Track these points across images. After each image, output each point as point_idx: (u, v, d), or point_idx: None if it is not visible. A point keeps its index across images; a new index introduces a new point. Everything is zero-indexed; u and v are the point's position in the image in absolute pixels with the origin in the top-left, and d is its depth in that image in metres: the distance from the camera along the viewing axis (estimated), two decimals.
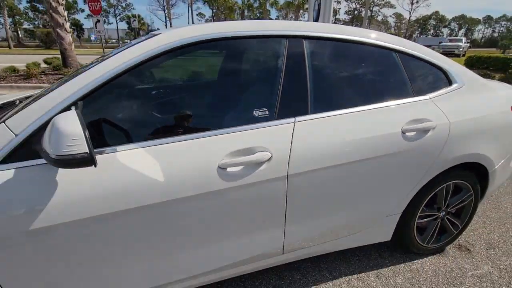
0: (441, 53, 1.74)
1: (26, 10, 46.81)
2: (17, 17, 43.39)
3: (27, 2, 44.79)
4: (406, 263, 1.78)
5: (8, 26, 33.48)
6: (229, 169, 1.12)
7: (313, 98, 1.30)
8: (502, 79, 8.33)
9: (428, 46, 1.88)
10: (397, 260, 1.80)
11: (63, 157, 0.79)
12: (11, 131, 0.94)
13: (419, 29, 70.15)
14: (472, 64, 12.18)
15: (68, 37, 8.41)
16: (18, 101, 1.54)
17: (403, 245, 1.81)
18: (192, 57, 1.32)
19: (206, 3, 44.46)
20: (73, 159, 0.79)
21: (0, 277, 0.95)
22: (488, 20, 77.19)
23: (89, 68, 1.09)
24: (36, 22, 48.15)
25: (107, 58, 1.11)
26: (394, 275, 1.68)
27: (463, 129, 1.53)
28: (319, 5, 5.91)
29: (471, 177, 1.71)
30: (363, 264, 1.76)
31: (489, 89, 1.77)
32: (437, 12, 70.01)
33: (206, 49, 1.28)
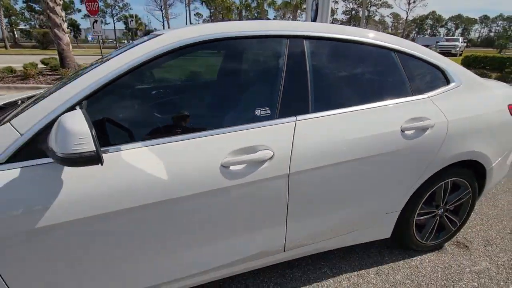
0: (438, 53, 1.76)
1: (22, 11, 46.57)
2: (13, 17, 43.13)
3: (23, 2, 44.56)
4: (406, 260, 1.80)
5: (4, 27, 33.29)
6: (231, 167, 1.13)
7: (313, 97, 1.32)
8: (498, 78, 8.40)
9: (427, 46, 1.91)
10: (397, 257, 1.82)
11: (70, 155, 0.80)
12: (17, 130, 0.95)
13: (416, 29, 70.46)
14: (469, 63, 12.26)
15: (66, 38, 8.39)
16: (20, 101, 1.55)
17: (402, 242, 1.83)
18: (193, 57, 1.34)
19: (203, 3, 44.45)
20: (80, 158, 0.80)
21: (7, 276, 0.95)
22: (484, 19, 77.69)
23: (92, 69, 1.10)
24: (32, 23, 47.89)
25: (110, 59, 1.12)
26: (394, 272, 1.70)
27: (460, 128, 1.55)
28: (317, 5, 5.93)
29: (469, 175, 1.73)
30: (363, 261, 1.78)
31: (486, 88, 1.79)
32: (434, 12, 70.35)
33: (208, 49, 1.30)
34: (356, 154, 1.33)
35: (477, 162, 1.70)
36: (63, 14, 8.25)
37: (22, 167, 0.94)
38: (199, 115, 1.27)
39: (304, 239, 1.45)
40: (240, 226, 1.25)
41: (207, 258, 1.25)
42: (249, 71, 1.47)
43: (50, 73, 8.65)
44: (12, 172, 0.93)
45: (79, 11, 54.44)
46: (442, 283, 1.63)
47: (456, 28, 75.29)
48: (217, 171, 1.11)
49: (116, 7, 54.71)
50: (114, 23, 54.41)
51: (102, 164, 0.85)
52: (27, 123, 0.96)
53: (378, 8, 63.36)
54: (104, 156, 0.99)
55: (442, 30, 73.83)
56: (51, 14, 7.91)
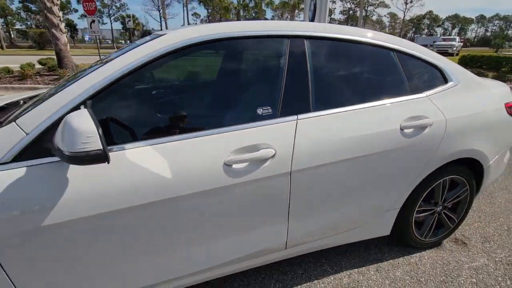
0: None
1: (18, 11, 46.28)
2: (9, 17, 42.85)
3: (19, 2, 44.30)
4: (405, 256, 1.82)
5: (0, 27, 33.05)
6: (234, 166, 1.15)
7: (314, 97, 1.34)
8: (495, 78, 8.47)
9: (426, 46, 1.93)
10: (396, 254, 1.84)
11: (77, 154, 0.81)
12: (22, 130, 0.96)
13: (413, 29, 70.77)
14: (466, 63, 12.33)
15: (64, 38, 8.35)
16: (22, 101, 1.55)
17: (401, 239, 1.85)
18: (195, 57, 1.35)
19: (201, 3, 44.37)
20: (86, 156, 0.82)
21: (13, 274, 0.96)
22: (481, 19, 78.21)
23: (95, 69, 1.11)
24: (28, 23, 47.63)
25: (113, 59, 1.13)
26: (394, 269, 1.73)
27: (458, 126, 1.58)
28: (315, 5, 5.96)
29: (467, 172, 1.76)
30: (363, 259, 1.80)
31: (483, 87, 1.82)
32: (430, 11, 70.77)
33: (211, 49, 1.31)
34: (356, 152, 1.35)
35: (475, 160, 1.72)
36: (60, 14, 8.22)
37: (27, 166, 0.95)
38: (202, 114, 1.28)
39: (305, 237, 1.46)
40: (243, 224, 1.27)
41: (210, 255, 1.27)
42: (251, 70, 1.49)
43: (47, 73, 8.62)
44: (18, 171, 0.93)
45: (76, 11, 54.22)
46: (441, 279, 1.65)
47: (453, 28, 75.73)
48: (220, 169, 1.13)
49: (113, 7, 54.54)
50: (111, 23, 54.19)
51: (108, 163, 0.86)
52: (32, 122, 0.97)
53: (375, 8, 63.61)
54: (110, 154, 1.00)
55: (439, 30, 74.24)
56: (48, 14, 7.88)
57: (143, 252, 1.13)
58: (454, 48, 22.96)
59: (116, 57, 1.12)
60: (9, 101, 1.58)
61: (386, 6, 63.06)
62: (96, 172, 0.99)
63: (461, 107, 1.64)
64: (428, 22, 71.84)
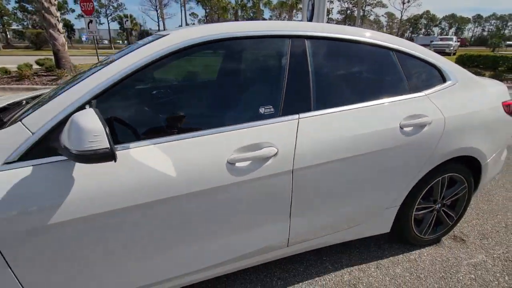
0: None
1: (15, 11, 46.01)
2: (6, 17, 42.58)
3: (16, 2, 44.06)
4: (405, 253, 1.85)
5: None
6: (237, 164, 1.16)
7: (315, 96, 1.35)
8: (492, 77, 8.54)
9: (425, 45, 1.96)
10: (396, 251, 1.87)
11: (85, 152, 0.82)
12: (28, 129, 0.97)
13: (411, 28, 71.07)
14: (463, 62, 12.42)
15: (61, 38, 8.33)
16: (24, 101, 1.56)
17: (401, 237, 1.88)
18: (196, 57, 1.36)
19: (199, 3, 44.31)
20: (94, 155, 0.83)
21: (20, 273, 0.97)
22: (478, 19, 78.69)
23: (100, 69, 1.12)
24: (25, 23, 47.35)
25: (117, 59, 1.15)
26: (394, 265, 1.75)
27: (457, 124, 1.60)
28: (313, 5, 5.98)
29: (465, 170, 1.79)
30: (364, 256, 1.83)
31: (481, 86, 1.85)
32: (428, 11, 71.08)
33: (214, 49, 1.32)
34: (357, 150, 1.37)
35: (473, 158, 1.75)
36: (58, 14, 8.19)
37: (33, 165, 0.96)
38: (205, 114, 1.30)
39: (307, 234, 1.48)
40: (246, 222, 1.28)
41: (213, 253, 1.28)
42: (253, 70, 1.50)
43: (45, 74, 8.58)
44: (24, 170, 0.95)
45: (73, 11, 54.02)
46: (440, 275, 1.68)
47: (450, 28, 76.13)
48: (223, 167, 1.14)
49: (111, 7, 54.37)
50: (108, 23, 54.08)
51: (115, 161, 0.88)
52: (38, 122, 0.98)
53: (373, 8, 63.83)
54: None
55: (436, 30, 74.62)
56: (46, 15, 7.86)
57: (148, 250, 1.14)
58: (451, 48, 23.10)
59: (120, 58, 1.14)
60: (11, 101, 1.59)
61: (384, 6, 63.31)
62: (101, 170, 1.00)
63: (459, 105, 1.66)
64: (425, 22, 72.20)
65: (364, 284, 1.62)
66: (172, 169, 1.08)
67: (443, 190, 1.80)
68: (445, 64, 1.74)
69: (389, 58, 1.57)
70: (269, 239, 1.38)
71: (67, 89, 1.07)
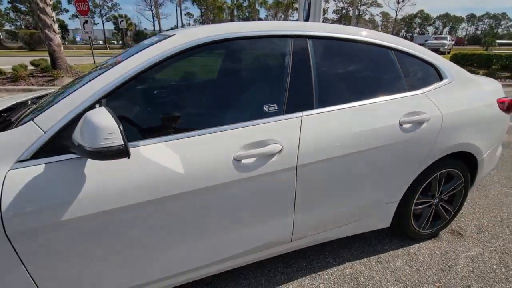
0: None
1: (8, 11, 45.47)
2: None
3: (8, 2, 43.52)
4: (404, 247, 1.89)
5: None
6: (243, 161, 1.19)
7: (317, 94, 1.39)
8: (486, 75, 8.65)
9: (421, 44, 2.00)
10: (396, 246, 1.91)
11: (99, 149, 0.85)
12: (40, 128, 0.99)
13: (405, 28, 71.64)
14: (457, 61, 12.55)
15: (57, 38, 8.27)
16: (29, 101, 1.57)
17: (401, 231, 1.92)
18: (201, 57, 1.39)
19: (194, 3, 44.19)
20: (108, 151, 0.85)
21: (33, 270, 0.99)
22: (471, 18, 79.59)
23: (108, 69, 1.14)
24: (18, 23, 46.82)
25: (125, 59, 1.17)
26: (394, 259, 1.79)
27: (454, 121, 1.65)
28: (309, 4, 6.03)
29: (462, 166, 1.84)
30: (365, 250, 1.87)
31: (476, 83, 1.90)
32: (422, 10, 71.69)
33: (219, 49, 1.35)
34: (358, 147, 1.41)
35: (469, 154, 1.80)
36: (53, 14, 8.13)
37: (45, 163, 0.98)
38: (211, 112, 1.32)
39: (310, 229, 1.52)
40: (251, 218, 1.31)
41: (219, 248, 1.31)
42: (257, 69, 1.53)
43: (41, 74, 8.52)
44: (37, 168, 0.97)
45: (67, 11, 53.50)
46: (439, 268, 1.72)
47: (444, 27, 76.89)
48: (230, 164, 1.17)
49: (105, 7, 53.96)
50: (103, 24, 53.65)
51: (129, 157, 0.90)
52: (49, 121, 1.00)
53: (368, 7, 64.18)
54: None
55: (431, 29, 75.31)
56: (41, 15, 7.79)
57: (157, 246, 1.16)
58: (446, 47, 23.34)
59: (128, 58, 1.16)
60: (17, 102, 1.60)
61: (379, 5, 63.73)
62: (111, 168, 1.02)
63: (456, 103, 1.71)
64: (419, 21, 72.82)
65: (366, 277, 1.66)
66: (180, 166, 1.10)
67: (441, 185, 1.85)
68: (442, 62, 1.79)
69: (388, 57, 1.61)
70: (273, 234, 1.41)
71: (77, 88, 1.09)
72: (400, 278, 1.65)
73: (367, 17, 68.05)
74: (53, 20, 8.08)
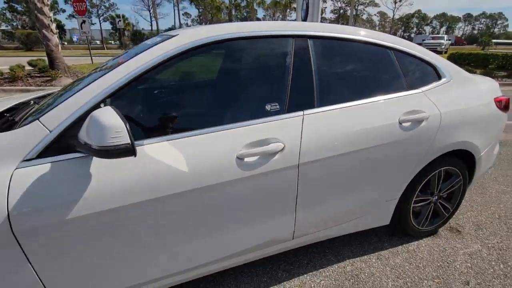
0: None
1: (4, 11, 45.21)
2: None
3: (4, 2, 43.27)
4: (404, 245, 1.92)
5: None
6: (246, 159, 1.21)
7: (318, 93, 1.41)
8: (482, 74, 8.71)
9: (419, 44, 2.03)
10: (395, 243, 1.94)
11: (106, 148, 0.86)
12: (46, 127, 1.00)
13: (403, 27, 71.94)
14: (454, 60, 12.63)
15: (55, 39, 8.24)
16: (32, 101, 1.58)
17: (400, 229, 1.95)
18: (202, 57, 1.40)
19: (192, 3, 44.10)
20: (115, 150, 0.87)
21: (39, 268, 1.00)
22: (468, 18, 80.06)
23: (112, 69, 1.15)
24: (14, 23, 46.56)
25: (128, 59, 1.18)
26: (393, 256, 1.82)
27: (452, 119, 1.67)
28: (307, 4, 6.05)
29: (460, 164, 1.86)
30: (365, 248, 1.89)
31: (474, 82, 1.93)
32: (419, 10, 72.11)
33: (221, 49, 1.36)
34: (359, 145, 1.43)
35: (467, 152, 1.82)
36: (51, 14, 8.10)
37: (52, 162, 0.99)
38: (214, 111, 1.34)
39: (311, 227, 1.54)
40: (255, 215, 1.33)
41: (222, 246, 1.33)
42: (258, 69, 1.55)
43: (38, 75, 8.48)
44: (43, 167, 0.98)
45: (64, 11, 53.31)
46: (438, 264, 1.75)
47: (441, 26, 77.28)
48: (233, 162, 1.19)
49: (102, 7, 53.78)
50: (100, 23, 53.46)
51: (135, 156, 0.91)
52: (55, 120, 1.01)
53: (365, 7, 64.39)
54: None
55: (428, 28, 75.67)
56: (39, 15, 7.76)
57: (160, 244, 1.18)
58: (443, 46, 23.47)
59: (131, 58, 1.17)
60: (19, 101, 1.61)
61: (376, 5, 63.94)
62: (117, 167, 1.04)
63: (454, 101, 1.73)
64: (416, 21, 73.16)
65: (366, 274, 1.68)
66: (184, 164, 1.12)
67: (440, 183, 1.87)
68: (440, 62, 1.82)
69: (387, 57, 1.63)
70: (275, 232, 1.43)
71: (81, 88, 1.10)
72: (400, 275, 1.67)
73: (364, 16, 68.32)
74: (51, 20, 8.05)
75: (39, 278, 1.02)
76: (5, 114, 1.40)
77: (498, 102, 1.91)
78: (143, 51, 1.18)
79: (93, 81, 1.11)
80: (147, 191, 1.06)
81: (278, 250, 1.55)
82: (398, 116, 1.53)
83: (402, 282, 1.62)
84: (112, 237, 1.08)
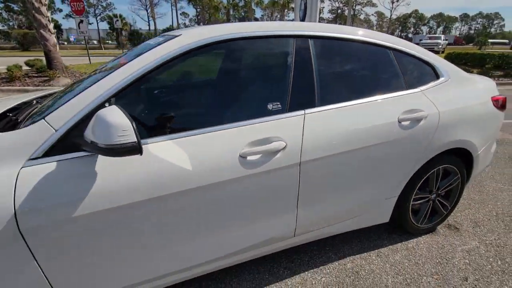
0: None
1: (0, 11, 44.90)
2: None
3: (1, 2, 42.97)
4: (403, 242, 1.94)
5: None
6: (249, 158, 1.23)
7: (319, 92, 1.43)
8: (479, 74, 8.77)
9: (417, 44, 2.05)
10: (395, 240, 1.96)
11: (113, 146, 0.87)
12: (51, 126, 1.01)
13: (400, 27, 72.23)
14: (452, 60, 12.71)
15: (53, 39, 8.21)
16: (34, 101, 1.59)
17: (400, 226, 1.97)
18: (204, 56, 1.41)
19: (190, 2, 44.03)
20: (121, 148, 0.88)
21: (44, 265, 1.01)
22: (464, 17, 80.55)
23: (116, 69, 1.16)
24: (11, 23, 46.28)
25: (131, 59, 1.19)
26: (393, 253, 1.84)
27: (450, 118, 1.70)
28: (305, 4, 6.08)
29: (458, 162, 1.89)
30: (365, 245, 1.91)
31: (471, 82, 1.95)
32: (416, 10, 72.44)
33: (224, 49, 1.38)
34: (359, 143, 1.45)
35: (465, 150, 1.85)
36: (49, 14, 8.07)
37: (57, 160, 1.00)
38: (217, 110, 1.35)
39: (312, 225, 1.56)
40: (257, 213, 1.35)
41: (224, 243, 1.34)
42: (260, 69, 1.57)
43: (36, 75, 8.45)
44: (49, 166, 0.99)
45: (61, 10, 53.01)
46: (437, 261, 1.78)
47: (438, 26, 77.68)
48: (236, 161, 1.20)
49: (99, 7, 53.55)
50: (97, 23, 53.21)
51: (141, 154, 0.93)
52: (60, 119, 1.03)
53: (363, 7, 64.57)
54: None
55: (425, 28, 76.03)
56: (36, 15, 7.73)
57: (163, 241, 1.19)
58: (440, 46, 23.56)
59: (135, 58, 1.18)
60: (21, 101, 1.61)
61: (374, 5, 64.15)
62: (122, 165, 1.05)
63: (452, 100, 1.76)
64: (414, 21, 73.50)
65: (366, 271, 1.70)
66: (188, 163, 1.13)
67: (438, 181, 1.90)
68: (438, 61, 1.84)
69: (387, 57, 1.65)
70: (277, 229, 1.45)
71: (86, 88, 1.11)
72: (400, 271, 1.70)
73: (362, 16, 68.49)
74: (49, 20, 8.02)
75: (45, 276, 1.03)
76: (8, 114, 1.41)
77: (495, 101, 1.94)
78: (146, 51, 1.19)
79: (97, 81, 1.12)
80: (152, 189, 1.08)
81: (280, 247, 1.57)
82: (398, 115, 1.55)
83: (401, 279, 1.64)
84: (116, 235, 1.09)
